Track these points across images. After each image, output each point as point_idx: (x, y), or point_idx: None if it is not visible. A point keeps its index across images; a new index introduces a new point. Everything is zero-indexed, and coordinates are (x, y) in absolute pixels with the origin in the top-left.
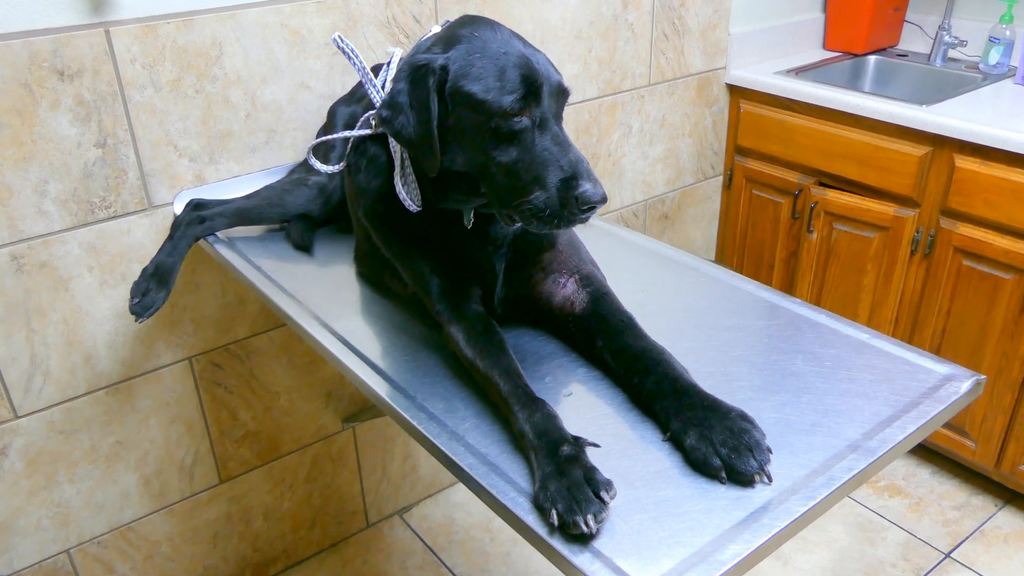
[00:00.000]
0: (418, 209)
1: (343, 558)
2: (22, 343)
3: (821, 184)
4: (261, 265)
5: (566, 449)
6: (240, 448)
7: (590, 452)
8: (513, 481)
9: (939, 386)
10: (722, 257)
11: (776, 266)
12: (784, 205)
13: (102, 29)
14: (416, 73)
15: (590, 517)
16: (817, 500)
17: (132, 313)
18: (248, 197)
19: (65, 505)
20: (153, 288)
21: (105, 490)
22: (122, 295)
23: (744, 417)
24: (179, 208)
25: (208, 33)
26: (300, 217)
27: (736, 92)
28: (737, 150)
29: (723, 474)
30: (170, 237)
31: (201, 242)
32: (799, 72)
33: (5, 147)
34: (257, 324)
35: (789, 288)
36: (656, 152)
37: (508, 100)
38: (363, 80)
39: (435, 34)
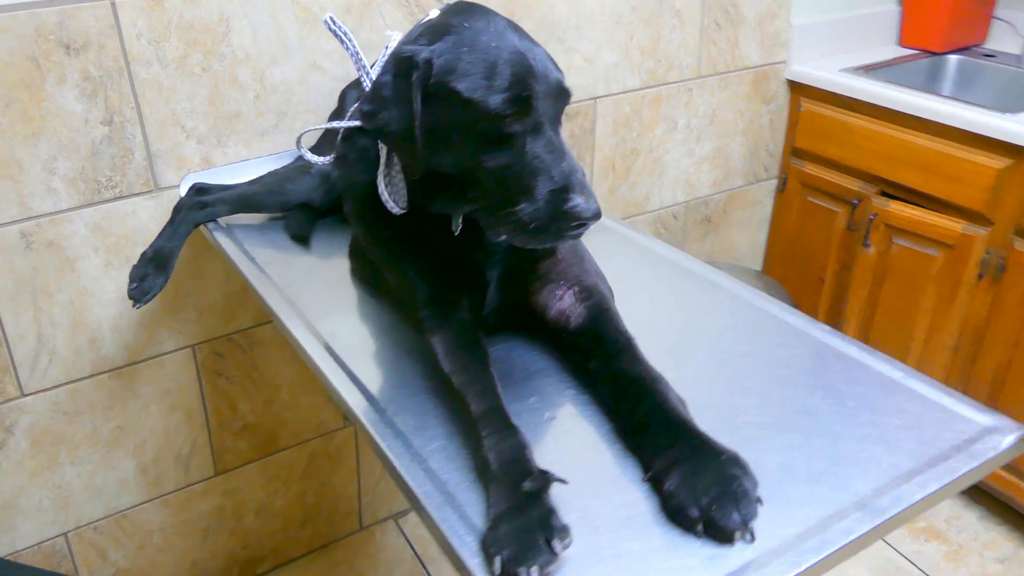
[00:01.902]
0: (402, 212)
1: (332, 560)
2: (29, 321)
3: (883, 194)
4: (256, 255)
5: (528, 485)
6: (238, 440)
7: (557, 489)
8: (467, 517)
9: (977, 439)
10: (768, 267)
11: (827, 280)
12: (840, 214)
13: (108, 1)
14: (400, 66)
15: (535, 569)
16: (802, 568)
17: (130, 298)
18: (251, 183)
19: (66, 487)
20: (151, 273)
21: (104, 475)
22: (126, 278)
23: (735, 462)
24: (184, 191)
25: (215, 8)
26: (302, 206)
27: (797, 89)
28: (794, 152)
29: (700, 527)
30: (171, 222)
31: (201, 228)
32: (869, 70)
33: (15, 122)
34: (261, 314)
35: (839, 305)
36: (703, 150)
37: (496, 101)
38: (357, 67)
39: (428, 21)
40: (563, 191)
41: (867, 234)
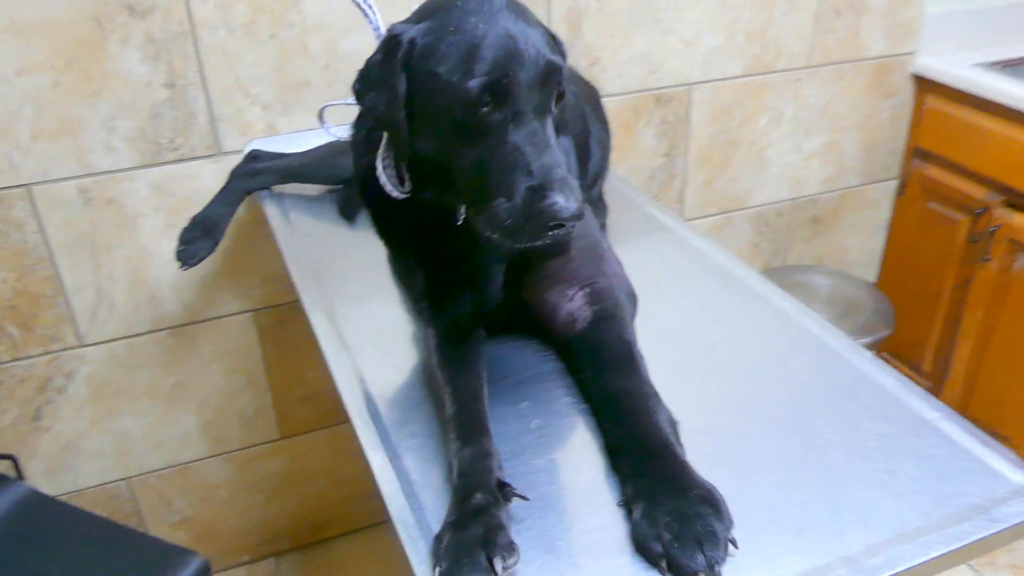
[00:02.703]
0: (401, 196)
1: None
2: (88, 275)
3: (1009, 206)
4: (298, 226)
5: (479, 498)
6: (302, 408)
7: (521, 505)
8: (425, 521)
9: (1004, 500)
10: (883, 276)
11: (943, 295)
12: (961, 224)
13: None
14: (387, 45)
15: None
16: None
17: (177, 260)
18: (303, 154)
19: (126, 436)
20: (199, 237)
21: (165, 428)
22: None
23: (707, 499)
24: None
25: None
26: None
27: (923, 84)
28: (916, 153)
29: (664, 563)
30: (223, 187)
31: (255, 195)
32: (1007, 66)
33: (75, 81)
34: None
35: (953, 324)
36: (812, 145)
37: (473, 86)
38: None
39: None
40: (540, 188)
41: (988, 247)
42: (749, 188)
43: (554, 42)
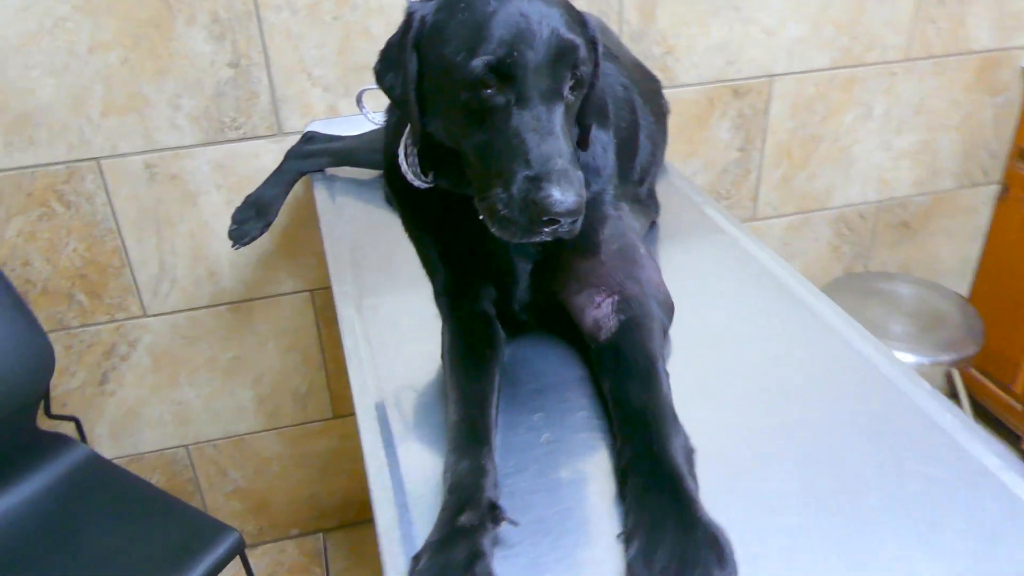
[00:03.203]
0: (423, 185)
1: None
2: (152, 248)
3: None
4: (344, 211)
5: (465, 519)
6: None
7: (505, 530)
8: (410, 535)
9: None
10: (977, 289)
11: None
12: None
13: None
14: (405, 24)
15: None
16: None
17: (229, 238)
18: (356, 138)
19: (186, 405)
20: (252, 218)
21: (222, 400)
22: None
23: (712, 542)
24: None
25: None
26: None
27: None
28: (1021, 154)
29: None
30: (278, 168)
31: (309, 176)
32: None
33: (143, 59)
34: None
35: None
36: (904, 144)
37: (476, 66)
38: None
39: None
40: (537, 179)
41: None
42: (830, 187)
43: (579, 23)
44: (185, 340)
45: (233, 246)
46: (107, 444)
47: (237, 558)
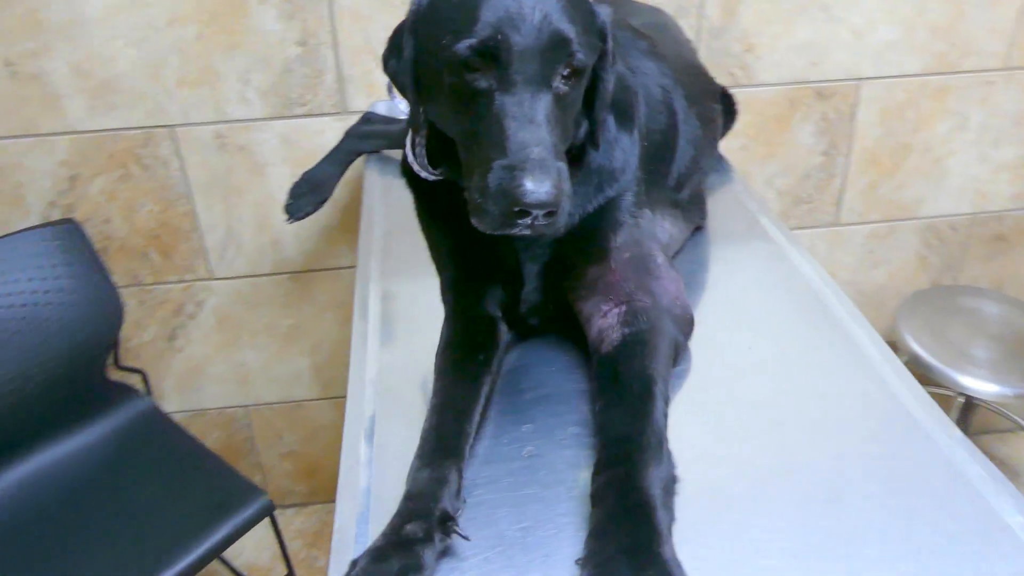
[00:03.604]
0: (430, 176)
1: None
2: (221, 215)
3: None
4: (390, 195)
5: (411, 528)
6: None
7: (459, 543)
8: (366, 533)
9: None
10: None
11: None
12: None
13: None
14: (409, 8)
15: None
16: None
17: (284, 212)
18: None
19: (245, 367)
20: (307, 193)
21: (280, 366)
22: None
23: None
24: None
25: None
26: None
27: None
28: None
29: None
30: (336, 147)
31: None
32: None
33: (217, 34)
34: None
35: None
36: (1004, 156)
37: (460, 48)
38: None
39: None
40: (511, 168)
41: None
42: (920, 197)
43: (585, 13)
44: (247, 305)
45: (287, 220)
46: (173, 398)
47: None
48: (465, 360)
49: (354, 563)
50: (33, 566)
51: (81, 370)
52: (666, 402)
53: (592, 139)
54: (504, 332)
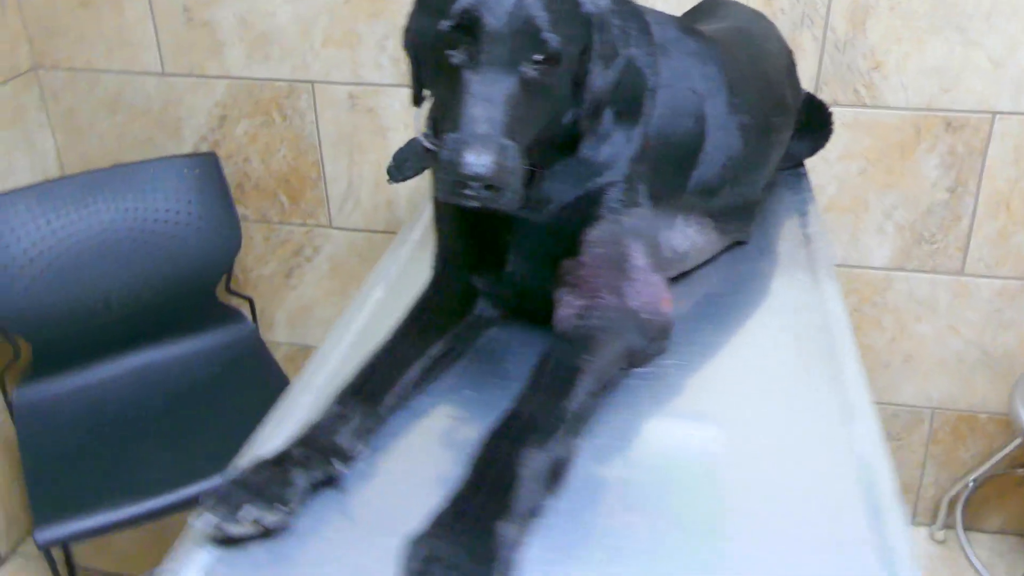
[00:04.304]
0: (434, 149)
1: None
2: (344, 169)
3: None
4: None
5: (294, 451)
6: None
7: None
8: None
9: None
10: None
11: None
12: None
13: None
14: None
15: (202, 519)
16: None
17: (387, 173)
18: None
19: None
20: (410, 158)
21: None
22: None
23: (486, 558)
24: None
25: None
26: None
27: None
28: None
29: None
30: None
31: None
32: None
33: (362, 1)
34: None
35: None
36: None
37: (443, 25)
38: None
39: None
40: (457, 140)
41: None
42: None
43: (567, 3)
44: (359, 257)
45: (388, 181)
46: (283, 329)
47: None
48: (428, 320)
49: (227, 474)
50: (125, 443)
51: (196, 287)
52: (592, 396)
53: (583, 127)
54: (484, 307)
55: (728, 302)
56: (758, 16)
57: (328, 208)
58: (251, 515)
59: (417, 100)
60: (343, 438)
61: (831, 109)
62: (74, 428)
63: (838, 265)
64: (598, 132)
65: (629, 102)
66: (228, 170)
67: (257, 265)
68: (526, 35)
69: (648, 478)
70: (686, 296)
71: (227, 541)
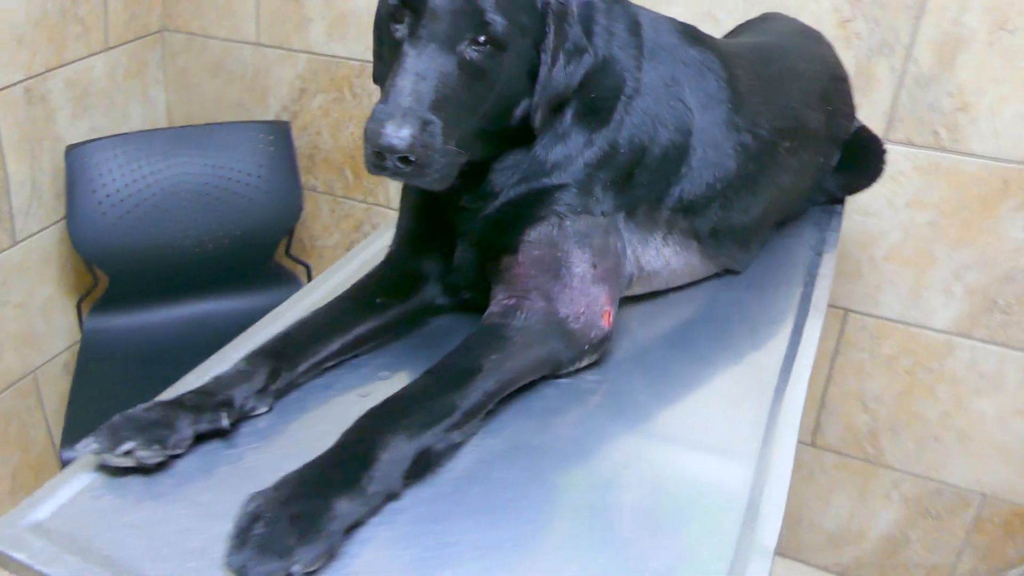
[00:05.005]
0: None
1: None
2: None
3: None
4: None
5: (187, 397)
6: None
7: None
8: None
9: None
10: None
11: None
12: None
13: None
14: None
15: (83, 444)
16: None
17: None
18: None
19: None
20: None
21: None
22: None
23: (307, 533)
24: None
25: None
26: None
27: None
28: None
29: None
30: None
31: None
32: None
33: None
34: None
35: None
36: None
37: (390, 2)
38: None
39: None
40: (379, 112)
41: None
42: None
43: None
44: None
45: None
46: None
47: None
48: (364, 297)
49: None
50: (166, 384)
51: (257, 247)
52: (488, 396)
53: (535, 121)
54: (436, 294)
55: (696, 329)
56: (806, 35)
57: (387, 189)
58: (129, 449)
59: (377, 77)
60: (240, 394)
61: (895, 147)
62: (125, 362)
63: (892, 320)
64: (556, 131)
65: (597, 104)
66: (302, 140)
67: (323, 235)
68: (468, 15)
69: (521, 477)
70: (651, 316)
71: (111, 470)
